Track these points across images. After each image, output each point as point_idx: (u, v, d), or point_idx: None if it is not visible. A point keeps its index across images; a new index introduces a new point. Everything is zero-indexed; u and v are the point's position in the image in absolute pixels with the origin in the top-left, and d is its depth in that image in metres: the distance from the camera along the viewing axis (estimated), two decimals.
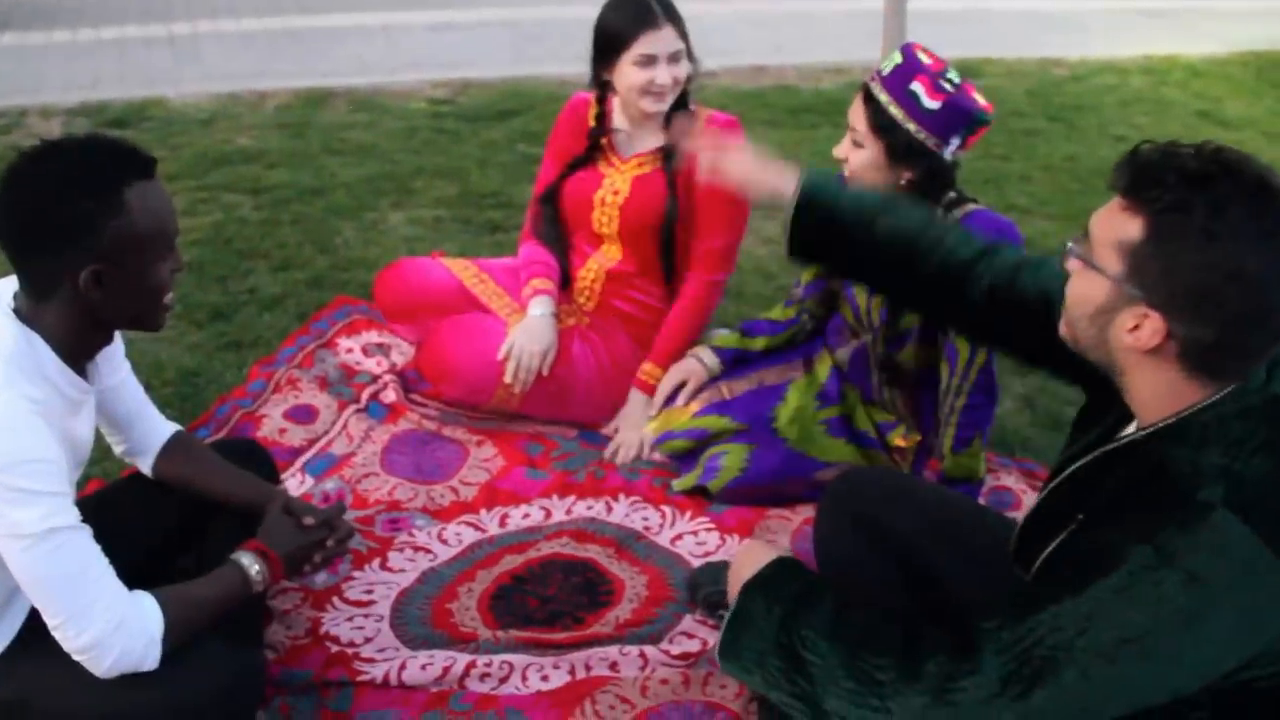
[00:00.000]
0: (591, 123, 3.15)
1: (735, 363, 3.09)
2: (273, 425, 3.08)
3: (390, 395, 3.23)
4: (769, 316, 3.15)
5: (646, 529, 2.80)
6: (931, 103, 2.53)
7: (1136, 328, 1.54)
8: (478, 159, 5.15)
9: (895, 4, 6.06)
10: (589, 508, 2.86)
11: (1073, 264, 1.63)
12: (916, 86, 2.55)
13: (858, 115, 2.62)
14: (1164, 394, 1.58)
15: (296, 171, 4.89)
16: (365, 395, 3.24)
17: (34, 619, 1.92)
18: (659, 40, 2.92)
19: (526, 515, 2.83)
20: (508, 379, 3.04)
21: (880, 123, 2.58)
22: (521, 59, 6.29)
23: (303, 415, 3.14)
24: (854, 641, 1.64)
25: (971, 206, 2.62)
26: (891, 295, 2.26)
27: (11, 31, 6.01)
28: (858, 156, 2.63)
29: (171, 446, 2.31)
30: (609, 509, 2.86)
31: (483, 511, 2.84)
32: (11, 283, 1.92)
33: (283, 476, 2.78)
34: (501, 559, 2.67)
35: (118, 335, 2.10)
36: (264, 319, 3.65)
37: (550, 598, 2.56)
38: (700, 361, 3.06)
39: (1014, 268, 1.97)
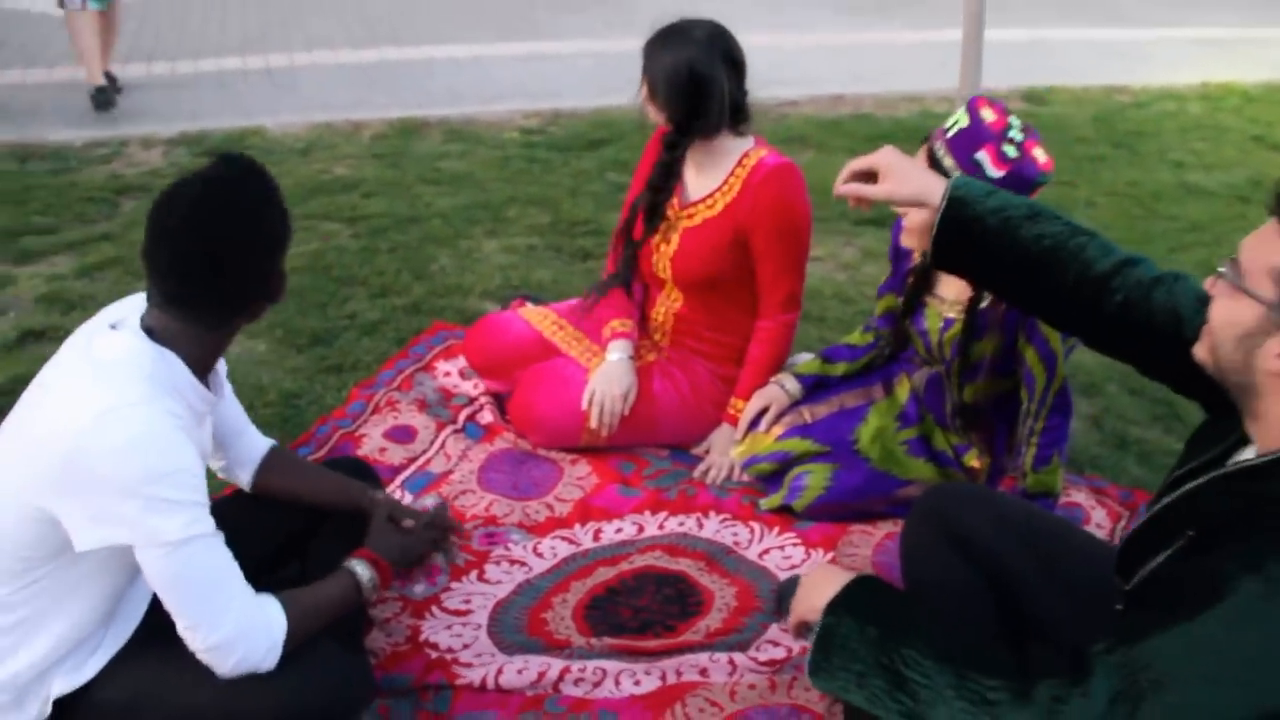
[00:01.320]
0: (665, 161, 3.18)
1: (816, 388, 3.15)
2: (372, 444, 3.19)
3: (487, 416, 3.34)
4: (848, 341, 3.20)
5: (736, 544, 2.87)
6: (996, 172, 2.55)
7: None
8: (569, 188, 5.26)
9: (973, 35, 6.10)
10: (680, 523, 2.94)
11: (1221, 287, 1.64)
12: (982, 156, 2.57)
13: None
14: None
15: (392, 200, 5.03)
16: (462, 416, 3.35)
17: (147, 624, 2.04)
18: None
19: (620, 530, 2.91)
20: (592, 424, 3.13)
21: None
22: (609, 89, 6.38)
23: (402, 435, 3.25)
24: (962, 662, 1.67)
25: None
26: (1025, 304, 2.20)
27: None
28: (917, 215, 2.56)
29: (270, 460, 2.42)
30: (700, 525, 2.94)
31: (577, 526, 2.92)
32: (131, 305, 2.04)
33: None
34: (595, 571, 2.75)
35: None
36: (363, 344, 3.77)
37: (643, 608, 2.64)
38: (782, 388, 3.12)
39: (1150, 283, 1.97)
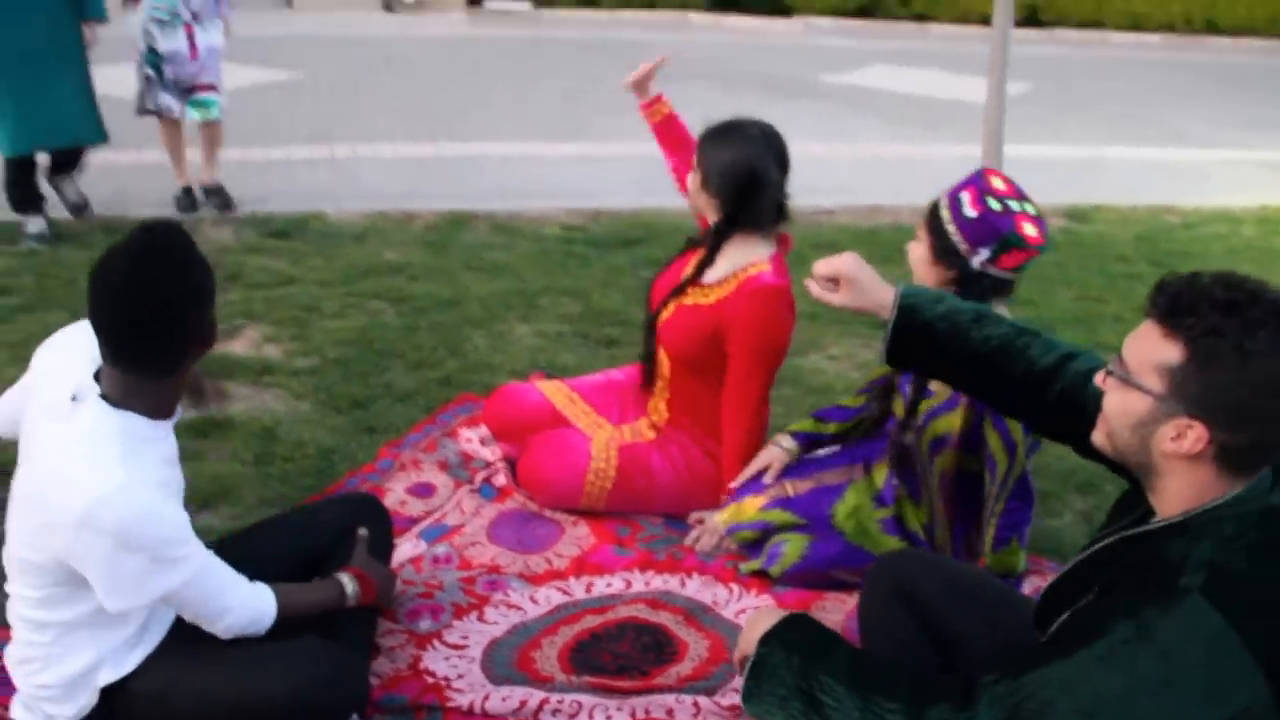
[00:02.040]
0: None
1: (810, 445, 3.43)
2: (395, 498, 3.52)
3: (501, 479, 3.66)
4: (841, 403, 3.50)
5: (714, 603, 3.15)
6: (970, 211, 2.87)
7: (1179, 436, 1.80)
8: (601, 281, 5.61)
9: (993, 151, 6.41)
10: (665, 581, 3.23)
11: (1111, 383, 1.90)
12: (964, 195, 2.90)
13: (921, 214, 3.00)
14: (1191, 493, 1.84)
15: (436, 284, 5.41)
16: (479, 478, 3.67)
17: (178, 622, 2.40)
18: None
19: (610, 584, 3.21)
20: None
21: (930, 220, 2.95)
22: (649, 191, 6.74)
23: (422, 491, 3.58)
24: (868, 687, 1.93)
25: None
26: (976, 395, 2.46)
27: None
28: (915, 249, 3.01)
29: None
30: (683, 584, 3.23)
31: (572, 579, 3.22)
32: (76, 343, 2.31)
33: (399, 540, 3.25)
34: (583, 618, 3.05)
35: None
36: (396, 410, 4.11)
37: (622, 654, 2.92)
38: (780, 447, 3.40)
39: (1086, 374, 2.21)
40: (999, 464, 2.95)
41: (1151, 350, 1.83)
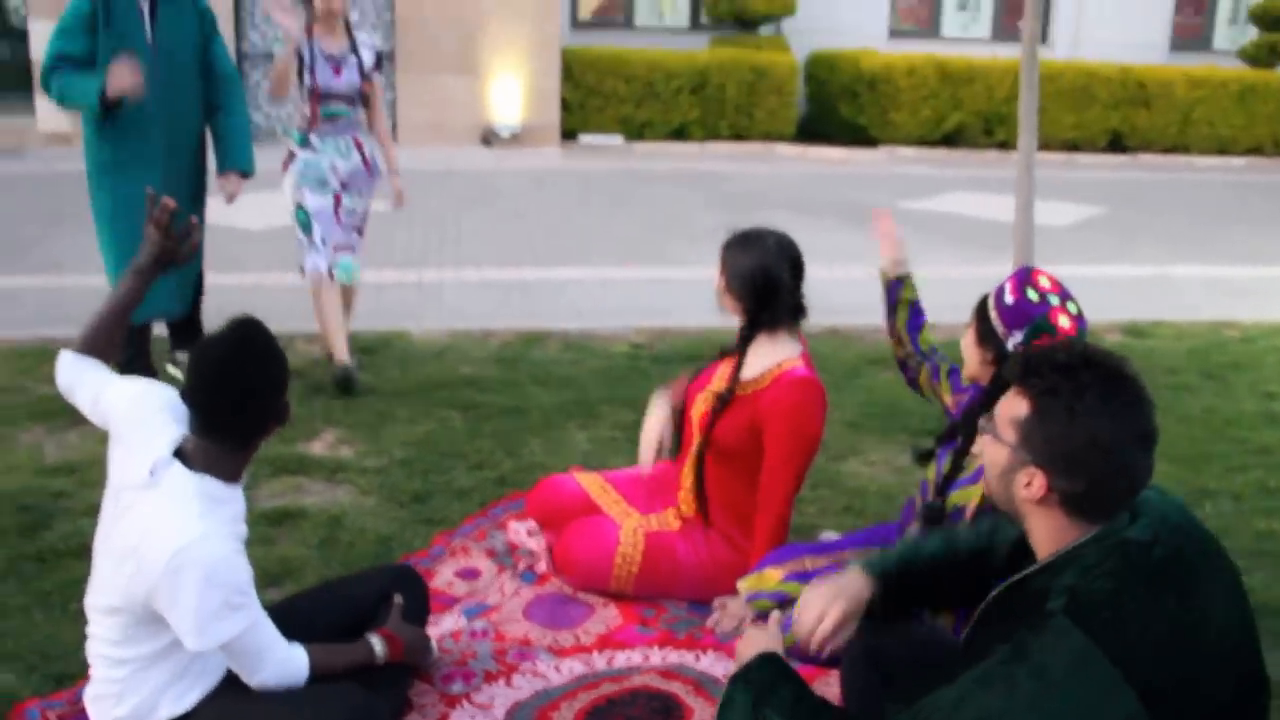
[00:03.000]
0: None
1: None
2: (443, 579, 3.88)
3: (542, 566, 4.00)
4: None
5: (725, 675, 3.43)
6: (1009, 298, 3.19)
7: (1029, 483, 2.11)
8: None
9: (1023, 258, 6.59)
10: (680, 657, 3.52)
11: (985, 439, 2.23)
12: (1007, 284, 3.23)
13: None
14: (1052, 536, 2.14)
15: (503, 395, 5.81)
16: (522, 565, 4.02)
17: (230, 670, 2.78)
18: None
19: (629, 658, 3.51)
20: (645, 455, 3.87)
21: (978, 307, 3.30)
22: (716, 311, 7.09)
23: (468, 575, 3.94)
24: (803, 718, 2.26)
25: None
26: (963, 600, 2.66)
27: (291, 272, 7.19)
28: (965, 336, 3.34)
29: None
30: (697, 659, 3.52)
31: (595, 653, 3.53)
32: (150, 457, 2.64)
33: (442, 616, 3.62)
34: (601, 686, 3.35)
35: None
36: (453, 505, 4.49)
37: (633, 716, 3.22)
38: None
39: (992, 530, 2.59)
40: None
41: (1009, 406, 2.15)
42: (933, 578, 2.64)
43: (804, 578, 3.57)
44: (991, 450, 2.21)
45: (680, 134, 16.12)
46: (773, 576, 3.62)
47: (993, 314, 3.21)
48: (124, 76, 5.02)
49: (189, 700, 2.71)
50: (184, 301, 5.85)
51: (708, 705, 3.28)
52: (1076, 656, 1.94)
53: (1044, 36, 18.12)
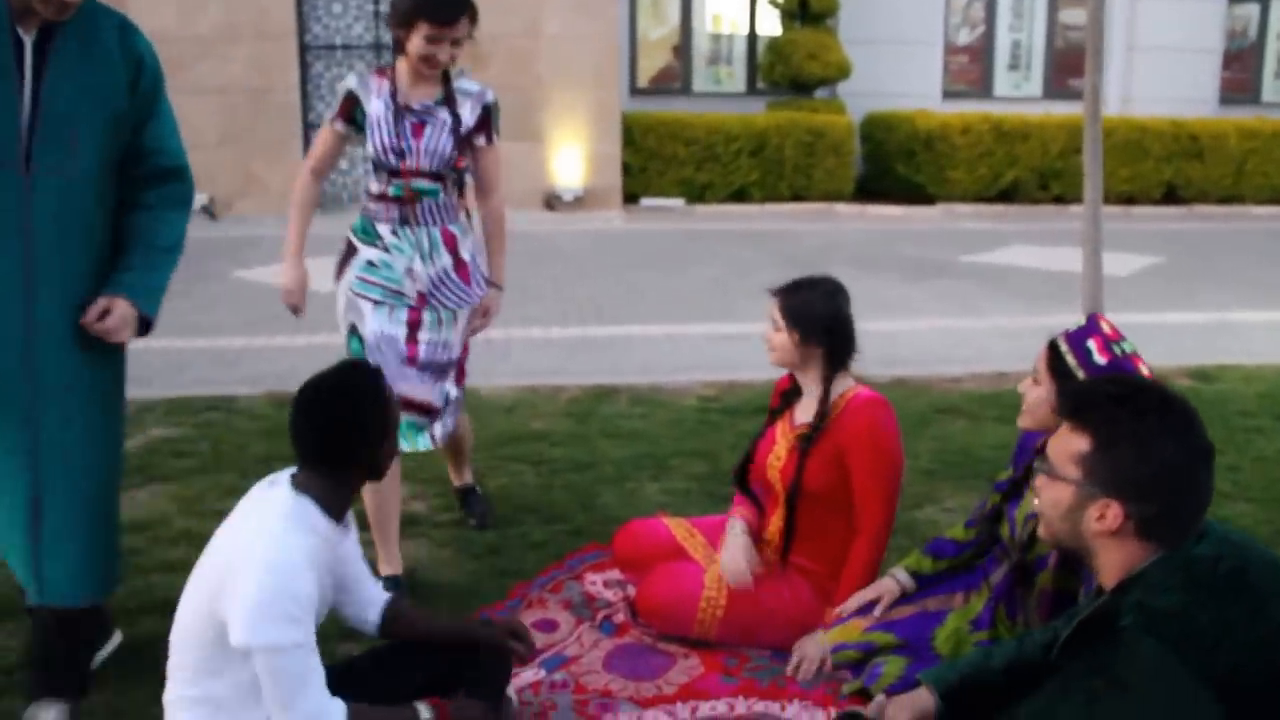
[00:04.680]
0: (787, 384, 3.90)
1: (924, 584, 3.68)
2: None
3: (620, 617, 3.95)
4: (952, 536, 3.73)
5: None
6: (1100, 358, 3.16)
7: (1102, 515, 2.12)
8: (730, 444, 5.92)
9: (1090, 305, 6.51)
10: (765, 706, 3.45)
11: (1041, 480, 2.24)
12: (1091, 344, 3.20)
13: (1040, 358, 3.30)
14: (1123, 564, 2.14)
15: (574, 449, 5.79)
16: (600, 616, 3.97)
17: None
18: None
19: (714, 708, 3.44)
20: (730, 580, 3.74)
21: (1057, 366, 3.24)
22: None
23: (546, 627, 3.89)
24: None
25: None
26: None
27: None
28: (1033, 393, 3.29)
29: (394, 606, 3.12)
30: (783, 709, 3.44)
31: (679, 703, 3.46)
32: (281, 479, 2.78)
33: (520, 670, 3.54)
34: None
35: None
36: (528, 557, 4.45)
37: None
38: (895, 580, 3.67)
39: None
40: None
41: (1066, 444, 2.16)
42: (1003, 686, 2.65)
43: (889, 627, 3.51)
44: (1052, 490, 2.22)
45: (740, 196, 16.15)
46: (857, 627, 3.56)
47: (1081, 374, 3.16)
48: None
49: None
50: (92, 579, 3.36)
51: None
52: (1153, 666, 1.96)
53: None
